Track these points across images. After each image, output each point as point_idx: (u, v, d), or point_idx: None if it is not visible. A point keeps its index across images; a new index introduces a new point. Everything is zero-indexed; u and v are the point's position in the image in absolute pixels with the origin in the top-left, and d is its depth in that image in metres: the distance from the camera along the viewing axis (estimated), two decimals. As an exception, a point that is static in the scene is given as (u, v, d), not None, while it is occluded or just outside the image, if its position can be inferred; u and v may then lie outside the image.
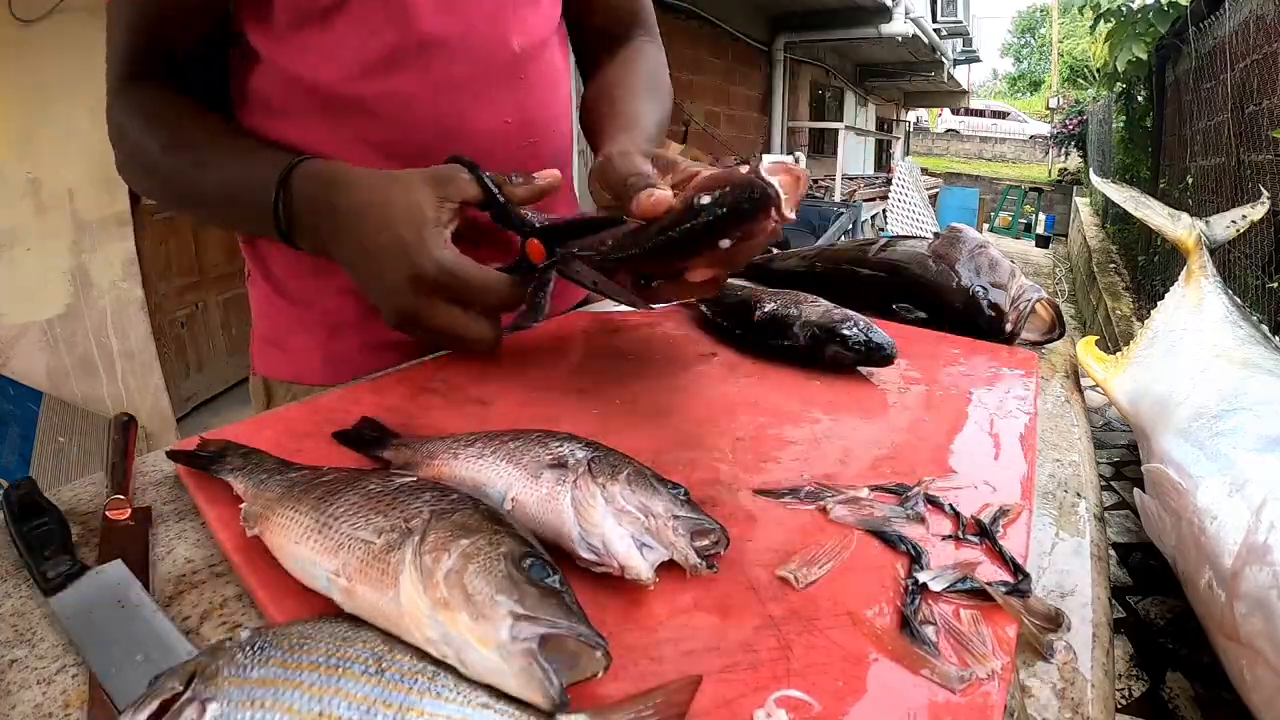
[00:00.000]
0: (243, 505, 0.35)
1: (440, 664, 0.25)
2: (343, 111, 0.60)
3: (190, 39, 0.60)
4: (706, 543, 0.33)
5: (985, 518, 0.39)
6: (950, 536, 0.37)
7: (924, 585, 0.33)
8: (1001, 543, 0.36)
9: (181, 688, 0.24)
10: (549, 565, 0.27)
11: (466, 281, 0.49)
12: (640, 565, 0.31)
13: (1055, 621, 0.33)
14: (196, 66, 0.62)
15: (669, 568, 0.33)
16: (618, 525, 0.32)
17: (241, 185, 0.54)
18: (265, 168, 0.53)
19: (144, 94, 0.59)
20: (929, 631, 0.31)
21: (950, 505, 0.40)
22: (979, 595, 0.33)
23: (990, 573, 0.35)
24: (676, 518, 0.33)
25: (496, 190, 0.53)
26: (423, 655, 0.25)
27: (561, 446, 0.37)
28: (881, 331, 0.59)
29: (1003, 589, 0.33)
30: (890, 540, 0.36)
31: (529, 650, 0.24)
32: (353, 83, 0.59)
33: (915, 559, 0.35)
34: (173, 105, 0.59)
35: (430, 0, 0.59)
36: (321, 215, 0.52)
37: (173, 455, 0.42)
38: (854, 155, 9.82)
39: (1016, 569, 0.35)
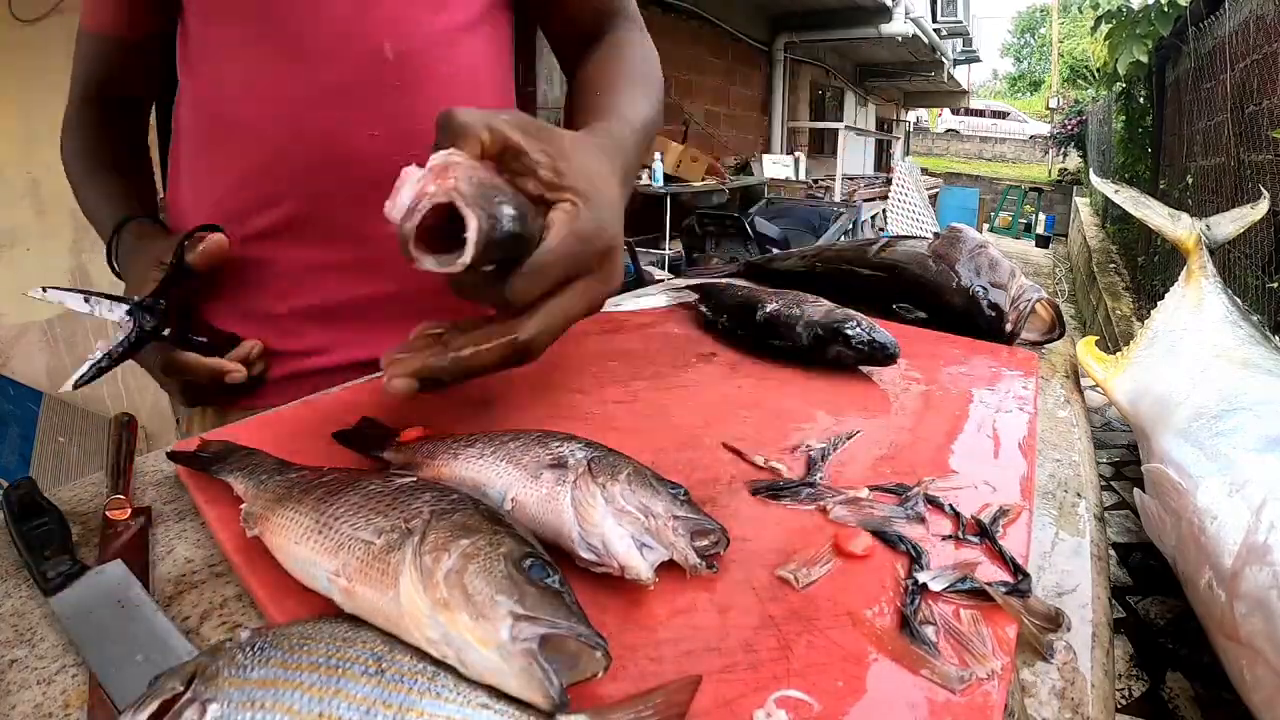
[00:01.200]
0: (243, 506, 0.35)
1: (440, 664, 0.25)
2: (231, 133, 0.61)
3: (132, 82, 0.70)
4: (706, 543, 0.33)
5: (985, 518, 0.39)
6: (950, 537, 0.37)
7: (924, 585, 0.33)
8: (1001, 543, 0.36)
9: (182, 688, 0.24)
10: (549, 565, 0.27)
11: (180, 365, 0.59)
12: (640, 565, 0.31)
13: (1055, 622, 0.33)
14: (140, 100, 0.73)
15: (668, 567, 0.33)
16: (618, 525, 0.32)
17: (97, 213, 0.69)
18: (107, 219, 0.67)
19: (84, 118, 0.70)
20: (929, 631, 0.31)
21: (950, 505, 0.40)
22: (979, 595, 0.33)
23: (990, 573, 0.35)
24: (676, 518, 0.33)
25: (177, 260, 0.58)
26: (422, 655, 0.25)
27: (561, 446, 0.37)
28: (885, 331, 0.59)
29: (1002, 589, 0.33)
30: (890, 540, 0.36)
31: (529, 650, 0.24)
32: (233, 103, 0.60)
33: (915, 559, 0.35)
34: (93, 134, 0.71)
35: (291, 7, 0.57)
36: (125, 262, 0.65)
37: (173, 456, 0.42)
38: (854, 155, 9.82)
39: (1016, 569, 0.35)
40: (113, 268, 0.66)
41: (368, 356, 0.63)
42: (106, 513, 0.39)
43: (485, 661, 0.24)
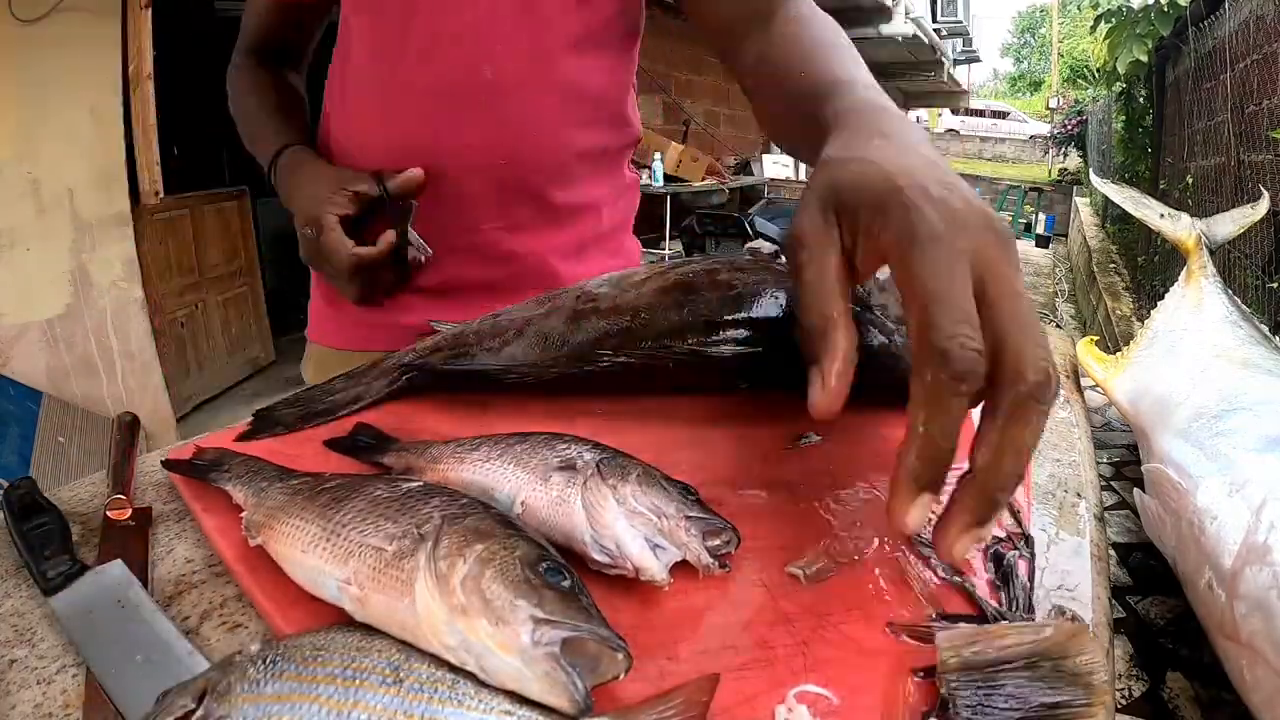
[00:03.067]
0: (244, 514, 0.35)
1: (459, 671, 0.25)
2: (362, 107, 0.70)
3: (291, 39, 0.79)
4: (719, 542, 0.33)
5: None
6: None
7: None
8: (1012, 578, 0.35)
9: (193, 705, 0.24)
10: (565, 568, 0.27)
11: (325, 242, 0.61)
12: (655, 567, 0.31)
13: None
14: (302, 56, 0.81)
15: (678, 567, 0.33)
16: (631, 527, 0.32)
17: (261, 141, 0.74)
18: (271, 142, 0.72)
19: (248, 63, 0.79)
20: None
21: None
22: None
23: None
24: (689, 518, 0.33)
25: (380, 183, 0.63)
26: (440, 663, 0.25)
27: (569, 448, 0.37)
28: None
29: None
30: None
31: (552, 654, 0.23)
32: (364, 76, 0.69)
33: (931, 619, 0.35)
34: (256, 78, 0.78)
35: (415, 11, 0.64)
36: (286, 178, 0.69)
37: (168, 465, 0.42)
38: (854, 155, 9.79)
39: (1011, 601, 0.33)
40: (270, 186, 0.72)
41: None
42: (106, 513, 0.39)
43: (507, 667, 0.24)
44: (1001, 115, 24.43)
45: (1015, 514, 0.39)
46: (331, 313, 0.79)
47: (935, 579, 0.34)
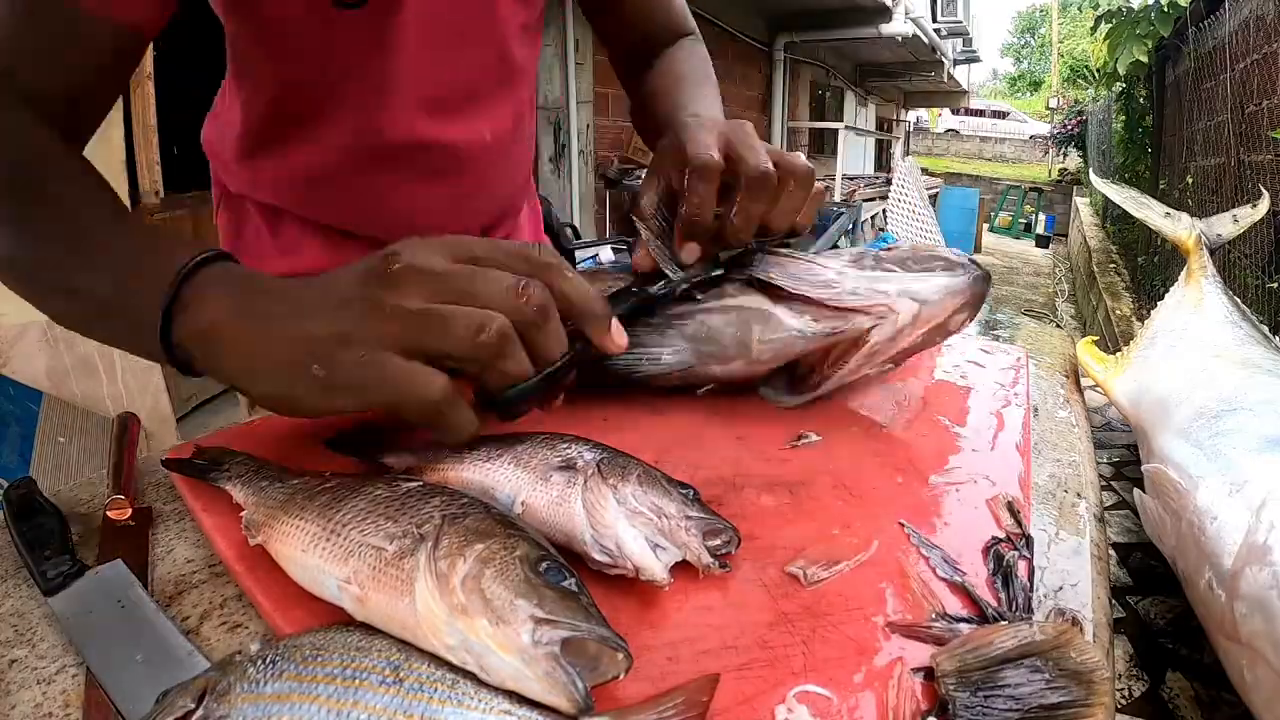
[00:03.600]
0: (243, 513, 0.35)
1: (458, 671, 0.25)
2: (302, 131, 0.60)
3: (109, 90, 0.49)
4: (719, 542, 0.33)
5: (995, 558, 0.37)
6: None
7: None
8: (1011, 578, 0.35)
9: (193, 705, 0.24)
10: (565, 568, 0.27)
11: (454, 418, 0.32)
12: (656, 567, 0.31)
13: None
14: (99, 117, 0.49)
15: (678, 567, 0.33)
16: (631, 527, 0.32)
17: (122, 265, 0.38)
18: (159, 257, 0.37)
19: (21, 122, 0.43)
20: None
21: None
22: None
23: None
24: (689, 518, 0.33)
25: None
26: (439, 662, 0.25)
27: (569, 448, 0.37)
28: None
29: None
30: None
31: (552, 654, 0.23)
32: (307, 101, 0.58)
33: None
34: (50, 153, 0.43)
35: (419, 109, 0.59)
36: (260, 305, 0.34)
37: (168, 464, 0.42)
38: (854, 155, 9.81)
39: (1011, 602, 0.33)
40: (174, 357, 0.36)
41: None
42: (106, 513, 0.39)
43: (507, 667, 0.24)
44: (1001, 115, 24.42)
45: (1015, 514, 0.39)
46: None
47: (935, 579, 0.34)
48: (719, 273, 0.50)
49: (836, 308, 0.47)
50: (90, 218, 0.40)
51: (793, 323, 0.48)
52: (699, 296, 0.50)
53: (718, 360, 0.50)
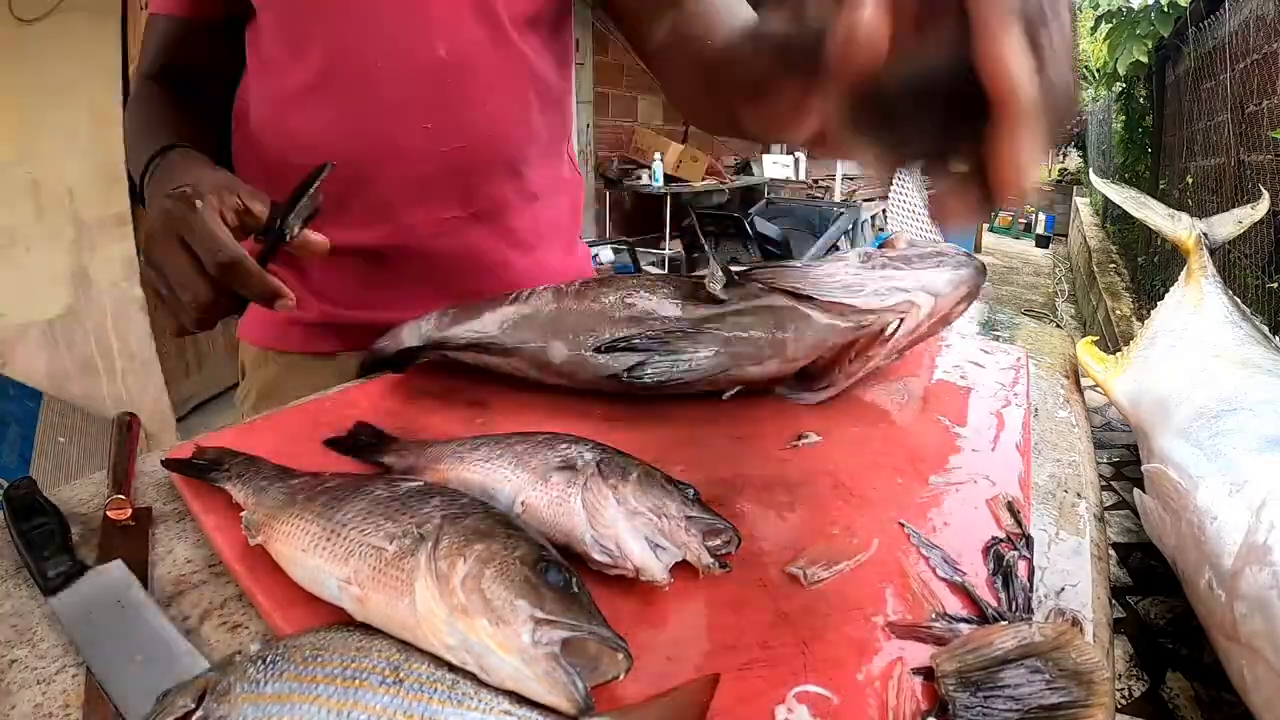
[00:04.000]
0: (243, 514, 0.35)
1: (458, 671, 0.25)
2: (290, 134, 0.64)
3: (196, 62, 0.69)
4: (719, 542, 0.33)
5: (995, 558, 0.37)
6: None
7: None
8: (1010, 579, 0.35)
9: (193, 705, 0.24)
10: (565, 568, 0.27)
11: (200, 221, 0.46)
12: (656, 567, 0.31)
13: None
14: (203, 73, 0.70)
15: (678, 567, 0.33)
16: (631, 527, 0.32)
17: (142, 150, 0.60)
18: (156, 144, 0.60)
19: (146, 86, 0.70)
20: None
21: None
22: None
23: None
24: (689, 518, 0.33)
25: (278, 218, 0.50)
26: (439, 663, 0.25)
27: (569, 448, 0.37)
28: None
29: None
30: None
31: (552, 654, 0.23)
32: (291, 105, 0.63)
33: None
34: (153, 94, 0.69)
35: (348, 17, 0.60)
36: (163, 174, 0.57)
37: (168, 464, 0.42)
38: (854, 155, 9.78)
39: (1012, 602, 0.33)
40: (140, 193, 0.59)
41: (395, 319, 0.64)
42: (106, 513, 0.39)
43: (507, 667, 0.24)
44: (1001, 115, 24.35)
45: (1015, 514, 0.39)
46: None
47: (935, 579, 0.34)
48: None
49: (864, 309, 0.49)
50: (151, 121, 0.65)
51: (824, 319, 0.49)
52: (724, 298, 0.50)
53: (752, 360, 0.50)
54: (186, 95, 0.68)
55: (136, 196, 0.63)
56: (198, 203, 0.46)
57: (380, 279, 0.68)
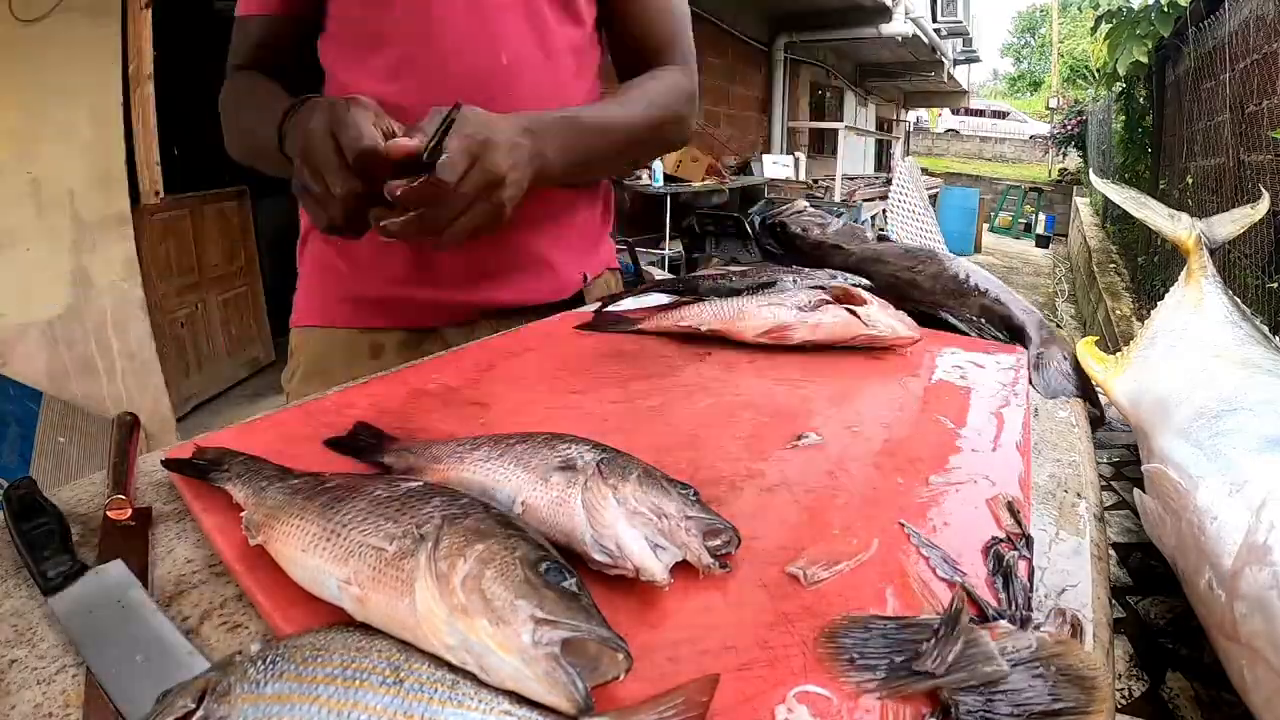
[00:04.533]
0: (243, 514, 0.35)
1: (458, 671, 0.25)
2: None
3: (283, 56, 0.77)
4: (719, 542, 0.33)
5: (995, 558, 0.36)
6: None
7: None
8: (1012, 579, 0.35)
9: (193, 705, 0.24)
10: (565, 568, 0.27)
11: (350, 117, 0.52)
12: (656, 567, 0.31)
13: None
14: (292, 64, 0.78)
15: (677, 567, 0.33)
16: (631, 527, 0.32)
17: (269, 120, 0.65)
18: (278, 106, 0.65)
19: (243, 75, 0.77)
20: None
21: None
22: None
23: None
24: (689, 518, 0.33)
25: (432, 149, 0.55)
26: (440, 663, 0.25)
27: (569, 448, 0.37)
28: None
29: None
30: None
31: (552, 654, 0.23)
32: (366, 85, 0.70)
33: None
34: (254, 81, 0.75)
35: (417, 26, 0.70)
36: (306, 114, 0.58)
37: (168, 464, 0.42)
38: (854, 155, 9.81)
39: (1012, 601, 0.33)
40: (282, 150, 0.62)
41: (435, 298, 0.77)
42: (106, 513, 0.39)
43: (507, 667, 0.24)
44: (1001, 115, 24.40)
45: (1015, 514, 0.39)
46: (317, 285, 0.82)
47: (935, 579, 0.34)
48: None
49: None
50: (257, 102, 0.71)
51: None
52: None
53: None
54: (275, 80, 0.75)
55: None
56: (353, 104, 0.53)
57: (424, 260, 0.76)
